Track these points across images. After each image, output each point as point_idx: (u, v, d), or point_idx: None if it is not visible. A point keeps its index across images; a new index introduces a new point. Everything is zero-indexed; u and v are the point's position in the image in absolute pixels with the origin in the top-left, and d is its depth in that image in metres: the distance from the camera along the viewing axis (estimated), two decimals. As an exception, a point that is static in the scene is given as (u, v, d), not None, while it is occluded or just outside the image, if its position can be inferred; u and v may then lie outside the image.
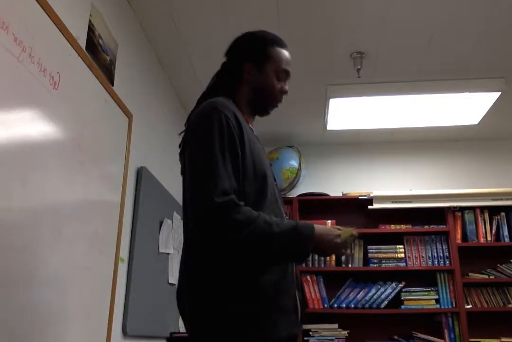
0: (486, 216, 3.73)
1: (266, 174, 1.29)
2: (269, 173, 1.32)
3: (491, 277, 3.60)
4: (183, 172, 1.31)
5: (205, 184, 1.15)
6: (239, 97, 1.41)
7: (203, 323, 1.19)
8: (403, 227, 3.73)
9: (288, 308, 1.24)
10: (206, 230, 1.14)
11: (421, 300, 3.57)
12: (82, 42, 1.89)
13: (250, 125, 1.42)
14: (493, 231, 3.68)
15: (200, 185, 1.17)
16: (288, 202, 3.83)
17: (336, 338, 3.52)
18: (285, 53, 1.45)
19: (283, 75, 1.43)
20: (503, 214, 3.72)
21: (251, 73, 1.40)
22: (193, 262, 1.24)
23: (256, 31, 1.48)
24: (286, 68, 1.43)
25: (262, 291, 1.19)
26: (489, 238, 3.67)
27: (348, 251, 1.31)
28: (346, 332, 3.53)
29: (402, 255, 3.68)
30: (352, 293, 3.64)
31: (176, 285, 1.33)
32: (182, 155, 1.34)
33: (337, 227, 1.30)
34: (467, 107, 3.38)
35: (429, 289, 3.59)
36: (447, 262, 3.65)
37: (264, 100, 1.44)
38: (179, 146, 1.36)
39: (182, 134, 1.36)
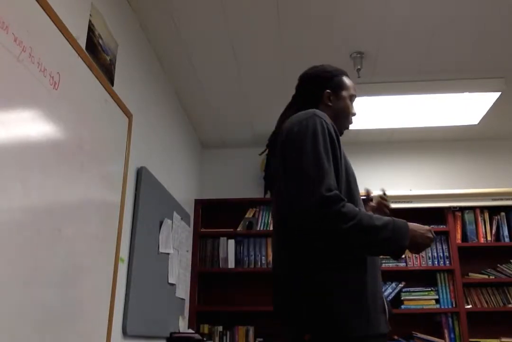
0: (486, 216, 3.73)
1: (355, 179, 1.46)
2: (355, 180, 1.47)
3: (491, 277, 3.61)
4: (278, 173, 1.41)
5: (314, 180, 1.27)
6: None
7: (308, 319, 1.27)
8: (403, 227, 3.73)
9: (380, 308, 1.34)
10: (316, 221, 1.24)
11: (421, 300, 3.57)
12: (82, 42, 1.89)
13: None
14: (493, 231, 3.68)
15: (308, 180, 1.27)
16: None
17: (336, 338, 3.51)
18: (351, 81, 1.66)
19: (353, 100, 1.65)
20: (503, 214, 3.72)
21: (330, 99, 1.59)
22: (297, 258, 1.33)
23: (324, 65, 1.67)
24: (355, 93, 1.65)
25: (364, 291, 1.30)
26: (489, 238, 3.67)
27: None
28: (346, 332, 3.53)
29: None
30: (352, 293, 3.63)
31: (277, 281, 1.39)
32: (273, 155, 1.48)
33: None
34: (467, 107, 3.38)
35: (429, 289, 3.59)
36: (447, 262, 3.65)
37: (342, 123, 1.61)
38: (266, 146, 1.57)
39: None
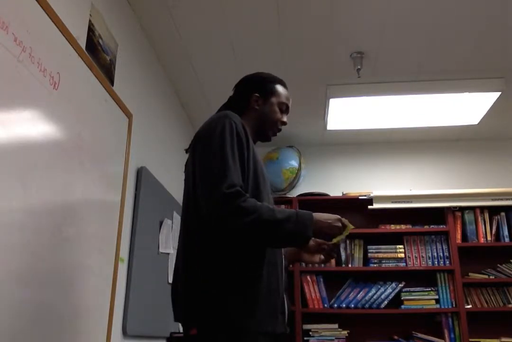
0: (486, 216, 3.73)
1: (264, 180, 1.49)
2: (266, 180, 1.52)
3: (491, 277, 3.60)
4: (189, 175, 1.44)
5: (216, 178, 1.32)
6: (245, 123, 1.56)
7: (195, 313, 1.32)
8: (403, 227, 3.73)
9: (275, 308, 1.38)
10: (217, 217, 1.29)
11: (421, 300, 3.57)
12: (82, 42, 1.89)
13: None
14: (493, 231, 3.68)
15: (211, 178, 1.33)
16: (288, 202, 3.84)
17: (336, 338, 3.52)
18: (286, 91, 1.70)
19: (284, 108, 1.67)
20: (503, 214, 3.72)
21: (257, 103, 1.64)
22: (193, 254, 1.37)
23: (263, 72, 1.74)
24: (286, 102, 1.67)
25: (253, 289, 1.33)
26: (489, 238, 3.66)
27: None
28: (346, 332, 3.53)
29: (402, 255, 3.68)
30: (352, 293, 3.64)
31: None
32: (187, 162, 1.51)
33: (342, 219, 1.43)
34: (467, 107, 3.38)
35: (429, 289, 3.59)
36: (447, 262, 3.65)
37: (267, 127, 1.65)
38: (186, 151, 1.54)
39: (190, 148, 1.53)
